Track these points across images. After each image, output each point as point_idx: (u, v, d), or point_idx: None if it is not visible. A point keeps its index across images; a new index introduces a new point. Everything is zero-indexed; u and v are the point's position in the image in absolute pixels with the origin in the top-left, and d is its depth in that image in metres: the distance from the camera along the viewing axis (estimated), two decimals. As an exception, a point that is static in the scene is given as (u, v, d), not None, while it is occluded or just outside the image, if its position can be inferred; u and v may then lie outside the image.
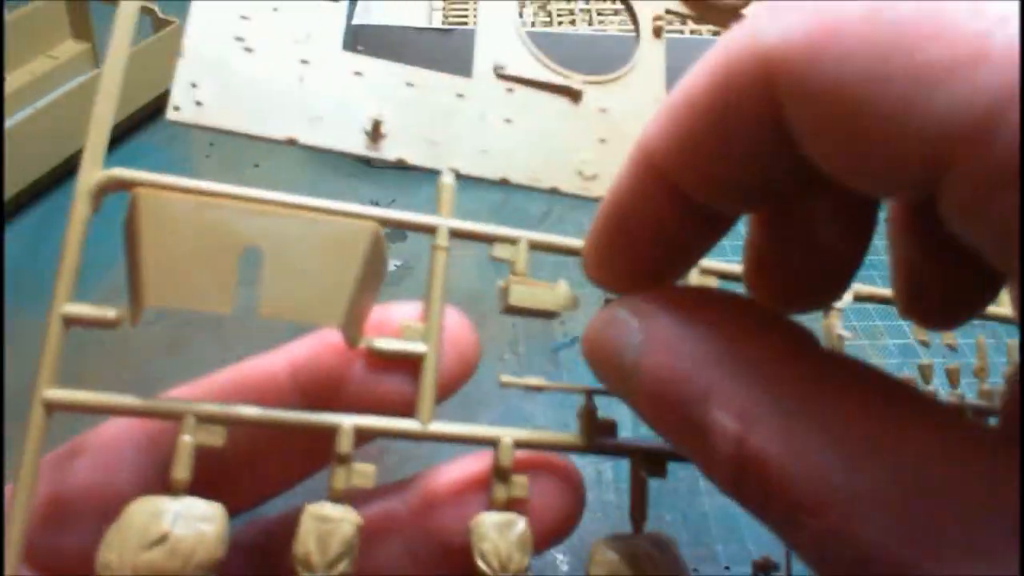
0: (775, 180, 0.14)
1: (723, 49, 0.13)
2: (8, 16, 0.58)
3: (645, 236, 0.16)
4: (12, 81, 0.58)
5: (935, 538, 0.11)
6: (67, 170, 0.61)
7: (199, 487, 0.16)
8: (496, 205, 0.66)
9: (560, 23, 0.74)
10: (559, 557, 0.45)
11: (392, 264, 0.59)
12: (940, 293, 0.17)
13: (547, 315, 0.19)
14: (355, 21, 0.65)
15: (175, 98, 0.18)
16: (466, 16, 0.70)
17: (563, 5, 0.75)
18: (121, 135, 0.61)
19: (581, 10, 0.74)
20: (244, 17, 0.19)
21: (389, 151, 0.20)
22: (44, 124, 0.53)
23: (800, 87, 0.12)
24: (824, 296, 0.17)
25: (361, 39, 0.65)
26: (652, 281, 0.17)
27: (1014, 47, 0.11)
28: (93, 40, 0.62)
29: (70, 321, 0.16)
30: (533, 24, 0.73)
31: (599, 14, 0.73)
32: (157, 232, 0.16)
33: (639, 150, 0.15)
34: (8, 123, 0.52)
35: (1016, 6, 0.11)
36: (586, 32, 0.70)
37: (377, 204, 0.65)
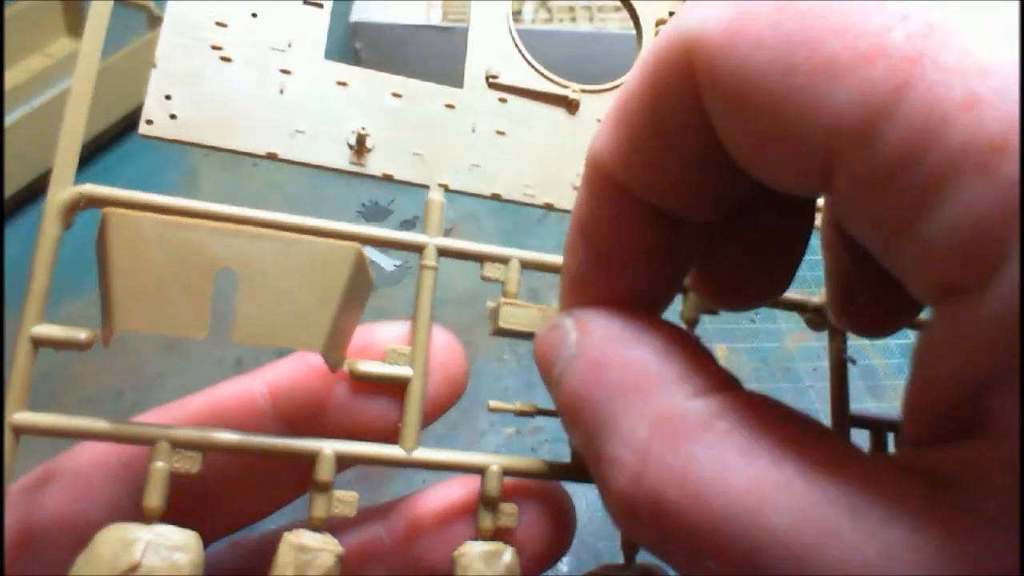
0: (717, 179, 0.14)
1: (654, 45, 0.13)
2: (6, 14, 0.58)
3: (613, 254, 0.15)
4: (7, 79, 0.57)
5: None
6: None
7: (175, 514, 0.16)
8: (496, 206, 0.65)
9: (560, 20, 0.73)
10: (562, 568, 0.44)
11: (392, 264, 0.58)
12: (871, 300, 0.17)
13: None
14: (353, 18, 0.64)
15: (148, 111, 0.17)
16: (467, 13, 0.69)
17: (563, 3, 0.74)
18: (121, 132, 0.61)
19: (582, 7, 0.73)
20: (221, 24, 0.18)
21: (374, 166, 0.19)
22: (40, 122, 0.53)
23: (712, 74, 0.12)
24: (764, 294, 0.17)
25: (359, 36, 0.64)
26: (635, 305, 0.16)
27: (911, 44, 0.10)
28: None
29: (39, 342, 0.16)
30: (533, 21, 0.73)
31: (600, 11, 0.73)
32: (127, 254, 0.15)
33: (590, 159, 0.15)
34: (7, 120, 0.51)
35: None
36: (587, 30, 0.69)
37: (377, 204, 0.65)
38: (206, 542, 0.17)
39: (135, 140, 0.64)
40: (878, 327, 0.18)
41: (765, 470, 0.12)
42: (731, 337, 0.59)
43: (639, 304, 0.16)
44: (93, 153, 0.64)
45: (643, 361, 0.14)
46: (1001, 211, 0.10)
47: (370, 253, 0.71)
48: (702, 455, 0.12)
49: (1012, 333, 0.10)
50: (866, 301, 0.17)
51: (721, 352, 0.56)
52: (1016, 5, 0.11)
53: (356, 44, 0.65)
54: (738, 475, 0.12)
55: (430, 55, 0.63)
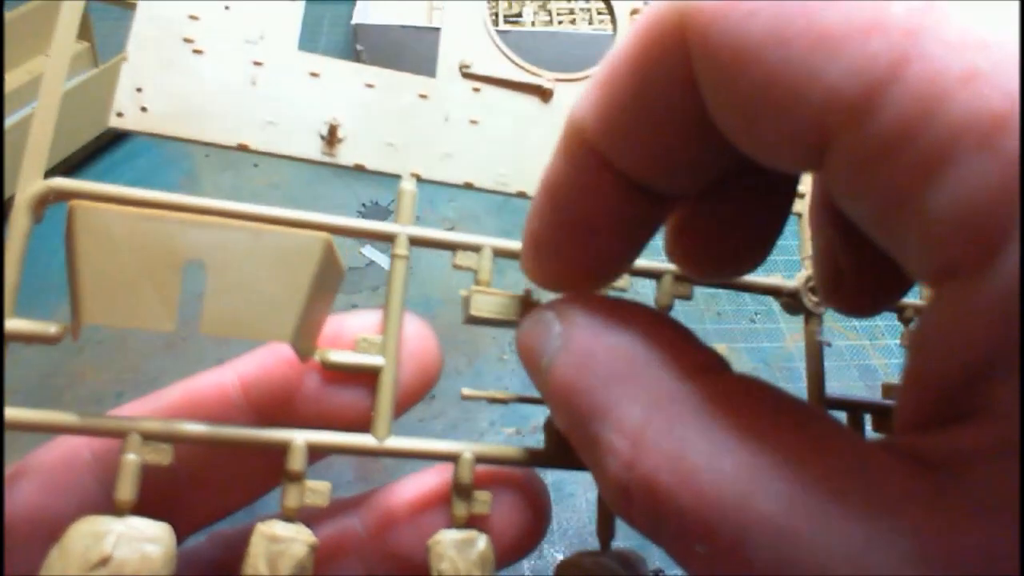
0: (700, 152, 0.14)
1: (647, 13, 0.13)
2: (6, 16, 0.58)
3: (584, 222, 0.15)
4: (10, 81, 0.58)
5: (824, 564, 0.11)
6: (65, 170, 0.61)
7: (150, 507, 0.16)
8: (496, 205, 0.66)
9: (560, 22, 0.73)
10: (558, 557, 0.44)
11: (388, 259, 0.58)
12: (860, 280, 0.17)
13: (511, 324, 0.18)
14: (354, 20, 0.64)
15: (118, 103, 0.17)
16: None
17: (563, 4, 0.74)
18: (122, 133, 0.62)
19: (581, 9, 0.73)
20: (193, 17, 0.18)
21: (346, 156, 0.19)
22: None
23: (704, 43, 0.12)
24: (742, 266, 0.17)
25: (360, 38, 0.64)
26: (593, 275, 0.16)
27: (910, 17, 0.10)
28: (92, 40, 0.62)
29: (10, 337, 0.16)
30: (533, 23, 0.73)
31: (599, 13, 0.72)
32: (94, 247, 0.15)
33: (570, 126, 0.15)
34: (6, 122, 0.52)
35: None
36: (587, 32, 0.69)
37: (377, 204, 0.65)
38: (182, 535, 0.17)
39: (136, 141, 0.64)
40: (867, 307, 0.17)
41: (755, 453, 0.12)
42: (731, 337, 0.59)
43: (598, 272, 0.16)
44: (94, 153, 0.65)
45: (631, 347, 0.14)
46: (1003, 189, 0.09)
47: (370, 253, 0.71)
48: (693, 438, 0.12)
49: (1014, 315, 0.10)
50: (854, 282, 0.17)
51: (721, 351, 0.56)
52: None
53: (357, 46, 0.65)
54: (729, 458, 0.12)
55: (431, 56, 0.63)
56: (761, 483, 0.11)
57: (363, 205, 0.64)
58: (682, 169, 0.14)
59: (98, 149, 0.64)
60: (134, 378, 0.48)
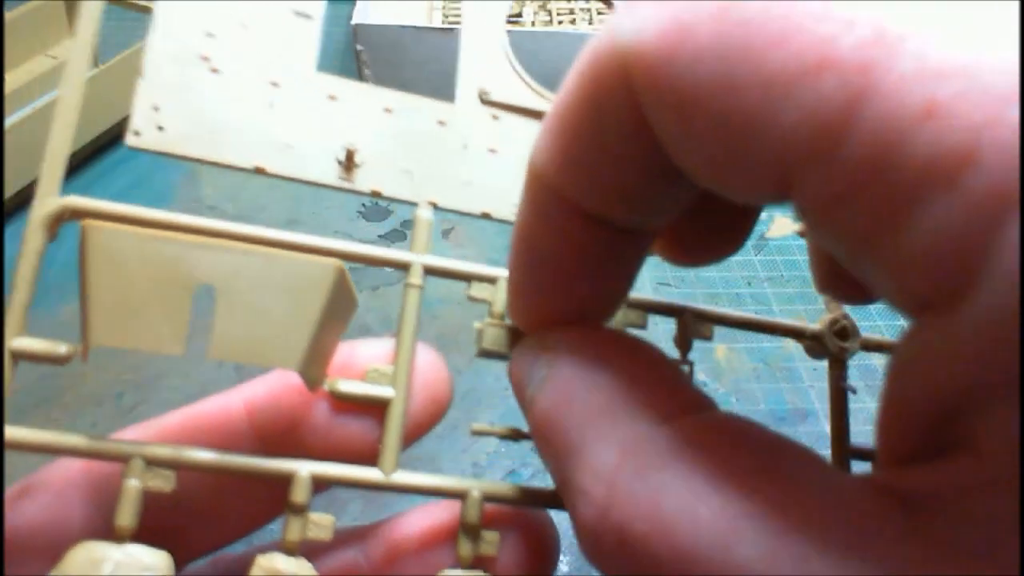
0: (665, 187, 0.13)
1: (589, 51, 0.12)
2: (7, 15, 0.58)
3: (561, 267, 0.15)
4: (11, 80, 0.58)
5: None
6: (67, 170, 0.61)
7: (149, 534, 0.16)
8: (496, 207, 0.65)
9: (560, 22, 0.73)
10: (563, 568, 0.44)
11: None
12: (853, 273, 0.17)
13: None
14: (354, 20, 0.64)
15: (135, 122, 0.17)
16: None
17: (563, 4, 0.74)
18: (123, 133, 0.62)
19: (581, 9, 0.73)
20: (210, 34, 0.18)
21: (363, 182, 0.19)
22: (43, 124, 0.53)
23: (654, 90, 0.11)
24: (723, 251, 0.17)
25: (360, 38, 0.64)
26: (584, 317, 0.16)
27: (861, 52, 0.10)
28: (93, 40, 0.62)
29: (19, 356, 0.16)
30: (533, 24, 0.73)
31: (600, 13, 0.72)
32: (105, 267, 0.15)
33: (530, 173, 0.14)
34: (7, 122, 0.52)
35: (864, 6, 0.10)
36: (587, 32, 0.69)
37: (377, 204, 0.65)
38: (180, 563, 0.16)
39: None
40: (862, 296, 0.17)
41: (735, 499, 0.11)
42: (731, 337, 0.59)
43: (590, 312, 0.16)
44: (94, 153, 0.64)
45: (611, 386, 0.14)
46: (972, 226, 0.09)
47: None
48: (669, 484, 0.12)
49: (993, 348, 0.09)
50: (848, 274, 0.17)
51: (721, 352, 0.56)
52: (959, 3, 0.10)
53: (357, 46, 0.65)
54: (707, 505, 0.11)
55: (431, 57, 0.63)
56: (740, 530, 0.11)
57: (363, 205, 0.64)
58: (647, 204, 0.14)
59: (98, 149, 0.64)
60: (134, 379, 0.48)
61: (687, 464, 0.12)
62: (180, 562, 0.16)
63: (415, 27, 0.65)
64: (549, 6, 0.74)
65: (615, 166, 0.13)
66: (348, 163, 0.18)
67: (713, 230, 0.16)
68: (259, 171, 0.18)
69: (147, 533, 0.15)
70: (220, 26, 0.18)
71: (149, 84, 0.18)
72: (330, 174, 0.18)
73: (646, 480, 0.12)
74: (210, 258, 0.15)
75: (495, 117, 0.20)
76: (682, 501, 0.12)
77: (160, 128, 0.17)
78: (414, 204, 0.19)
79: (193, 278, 0.15)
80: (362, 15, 0.64)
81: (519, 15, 0.74)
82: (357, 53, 0.65)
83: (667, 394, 0.14)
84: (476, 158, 0.20)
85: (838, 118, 0.10)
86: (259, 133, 0.18)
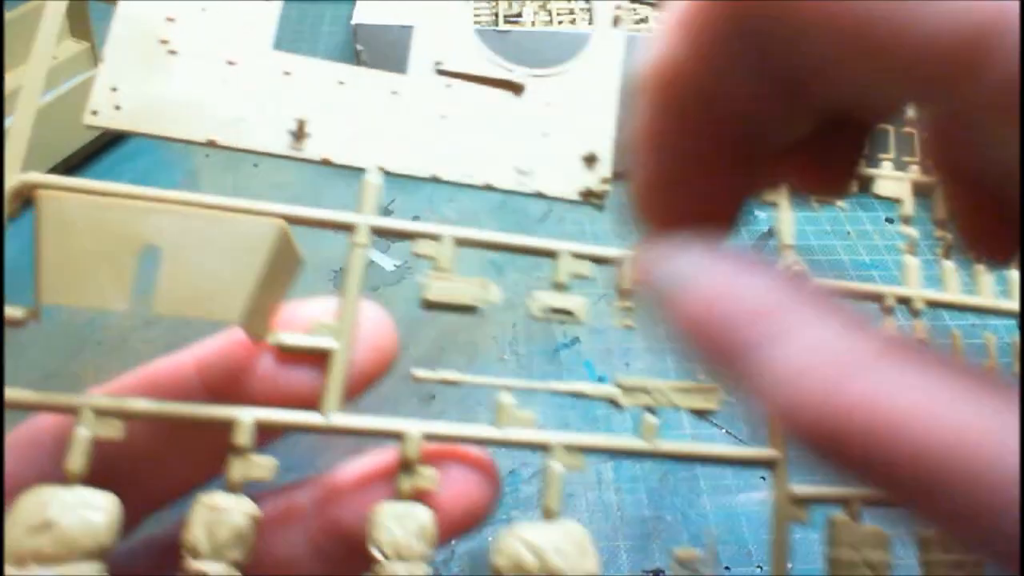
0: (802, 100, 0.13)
1: None
2: (6, 15, 0.58)
3: (697, 158, 0.15)
4: (10, 81, 0.58)
5: None
6: (65, 170, 0.61)
7: (104, 486, 0.16)
8: (495, 206, 0.66)
9: (560, 22, 0.73)
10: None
11: (391, 264, 0.58)
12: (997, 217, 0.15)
13: (466, 310, 0.19)
14: (354, 20, 0.64)
15: (93, 102, 0.18)
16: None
17: (563, 4, 0.74)
18: (122, 133, 0.62)
19: (581, 9, 0.73)
20: (170, 19, 0.19)
21: (313, 151, 0.19)
22: (42, 123, 0.53)
23: None
24: (830, 189, 0.17)
25: (360, 38, 0.65)
26: (712, 214, 0.15)
27: None
28: (92, 39, 0.63)
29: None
30: (533, 23, 0.73)
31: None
32: (55, 232, 0.16)
33: (656, 74, 0.14)
34: (7, 122, 0.52)
35: None
36: (587, 32, 0.70)
37: (388, 211, 0.65)
38: (137, 515, 0.17)
39: (137, 141, 0.64)
40: (1004, 254, 0.16)
41: (955, 397, 0.11)
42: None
43: (712, 217, 0.15)
44: (94, 153, 0.64)
45: (778, 287, 0.13)
46: None
47: (370, 254, 0.71)
48: (897, 378, 0.11)
49: None
50: (996, 228, 0.16)
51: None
52: None
53: (357, 46, 0.65)
54: (937, 402, 0.11)
55: (431, 57, 0.63)
56: (974, 424, 0.10)
57: (363, 205, 0.64)
58: (785, 112, 0.14)
59: (98, 149, 0.64)
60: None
61: (900, 361, 0.11)
62: (135, 514, 0.17)
63: (415, 27, 0.65)
64: (549, 6, 0.74)
65: (755, 77, 0.13)
66: (299, 133, 0.19)
67: (825, 165, 0.16)
68: (211, 144, 0.19)
69: (100, 484, 0.16)
70: (180, 11, 0.19)
71: (108, 67, 0.18)
72: (280, 144, 0.19)
73: (876, 370, 0.11)
74: (155, 221, 0.16)
75: (448, 86, 0.21)
76: (916, 394, 0.11)
77: (117, 107, 0.18)
78: (362, 170, 0.20)
79: (139, 240, 0.16)
80: (362, 15, 0.65)
81: (519, 15, 0.74)
82: (357, 53, 0.65)
83: (835, 303, 0.13)
84: (426, 124, 0.20)
85: (987, 26, 0.10)
86: (212, 108, 0.19)
